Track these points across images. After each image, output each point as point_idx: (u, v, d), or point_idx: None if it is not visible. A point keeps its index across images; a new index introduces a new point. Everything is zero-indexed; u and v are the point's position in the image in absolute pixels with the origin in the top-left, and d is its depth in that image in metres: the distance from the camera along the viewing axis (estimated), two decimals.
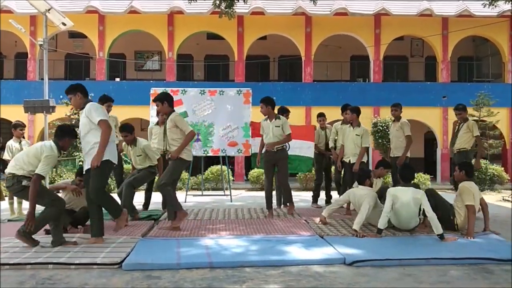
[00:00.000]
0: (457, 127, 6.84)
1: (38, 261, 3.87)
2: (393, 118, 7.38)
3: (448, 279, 3.55)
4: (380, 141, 13.29)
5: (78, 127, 4.95)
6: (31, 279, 3.51)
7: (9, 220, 6.34)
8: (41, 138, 14.53)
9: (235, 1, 8.59)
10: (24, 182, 4.34)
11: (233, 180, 13.77)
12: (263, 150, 6.51)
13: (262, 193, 7.56)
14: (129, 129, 6.37)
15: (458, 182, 5.33)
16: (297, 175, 12.70)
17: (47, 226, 4.60)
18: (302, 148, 7.51)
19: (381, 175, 6.27)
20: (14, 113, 14.77)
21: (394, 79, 17.28)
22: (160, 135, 7.01)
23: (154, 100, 5.49)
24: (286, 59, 17.39)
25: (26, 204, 4.78)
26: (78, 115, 12.45)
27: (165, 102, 5.28)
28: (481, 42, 18.02)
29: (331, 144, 7.46)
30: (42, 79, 11.97)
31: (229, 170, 10.92)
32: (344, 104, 7.45)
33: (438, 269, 3.80)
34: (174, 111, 5.40)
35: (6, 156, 6.72)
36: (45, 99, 10.40)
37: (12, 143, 6.90)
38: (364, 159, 6.79)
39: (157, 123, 7.21)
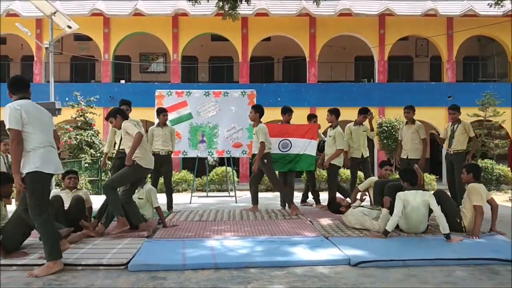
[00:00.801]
0: (451, 128, 6.91)
1: (45, 262, 3.90)
2: (405, 120, 7.34)
3: (453, 279, 3.55)
4: (385, 141, 13.27)
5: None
6: (38, 280, 3.55)
7: None
8: None
9: (239, 2, 8.61)
10: None
11: (238, 181, 13.80)
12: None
13: (267, 194, 7.61)
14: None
15: (465, 183, 5.31)
16: (302, 175, 12.69)
17: None
18: (304, 147, 7.44)
19: (385, 176, 6.25)
20: None
21: (399, 79, 17.25)
22: (163, 136, 7.07)
23: (107, 119, 5.40)
24: (290, 60, 17.40)
25: None
26: (84, 117, 12.61)
27: (118, 116, 5.18)
28: (487, 42, 17.94)
29: (345, 148, 7.40)
30: (48, 81, 12.07)
31: (234, 171, 10.96)
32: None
33: (443, 269, 3.80)
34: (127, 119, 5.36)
35: None
36: (51, 102, 10.50)
37: None
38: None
39: (158, 125, 7.22)
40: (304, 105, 15.54)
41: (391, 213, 5.17)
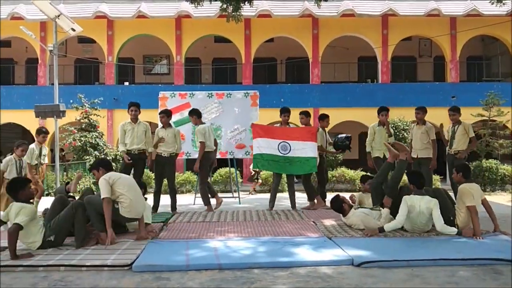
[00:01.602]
0: (452, 129, 7.04)
1: (50, 263, 3.94)
2: (415, 121, 7.36)
3: (457, 279, 3.55)
4: (389, 142, 13.23)
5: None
6: (43, 281, 3.58)
7: None
8: (52, 141, 14.72)
9: (242, 4, 8.63)
10: None
11: (241, 182, 13.82)
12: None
13: (269, 195, 7.61)
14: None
15: (457, 184, 5.39)
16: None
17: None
18: (303, 149, 7.36)
19: (368, 190, 6.17)
20: (25, 118, 15.01)
21: (403, 79, 17.20)
22: (165, 138, 7.11)
23: (90, 170, 5.74)
24: (293, 61, 17.42)
25: None
26: (88, 119, 12.66)
27: (100, 168, 5.10)
28: (490, 41, 17.87)
29: (367, 148, 7.43)
30: (53, 84, 12.14)
31: (237, 172, 10.97)
32: (381, 106, 7.58)
33: (447, 270, 3.79)
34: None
35: (26, 158, 6.83)
36: (56, 104, 10.56)
37: (34, 148, 7.01)
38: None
39: (162, 126, 7.26)
40: (307, 106, 15.50)
41: (392, 212, 5.19)
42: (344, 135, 7.76)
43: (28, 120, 14.81)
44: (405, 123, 12.99)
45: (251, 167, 12.18)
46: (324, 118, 7.93)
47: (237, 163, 9.94)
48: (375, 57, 16.33)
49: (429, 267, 3.86)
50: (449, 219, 5.05)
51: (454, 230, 4.79)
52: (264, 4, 15.15)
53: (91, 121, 12.79)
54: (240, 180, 12.73)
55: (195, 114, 7.32)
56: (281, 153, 7.38)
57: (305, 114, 7.79)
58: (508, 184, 12.35)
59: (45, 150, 7.35)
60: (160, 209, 7.19)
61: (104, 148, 12.54)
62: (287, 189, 7.98)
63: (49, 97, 13.16)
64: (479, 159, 12.64)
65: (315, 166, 7.47)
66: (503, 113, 13.35)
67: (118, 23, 15.94)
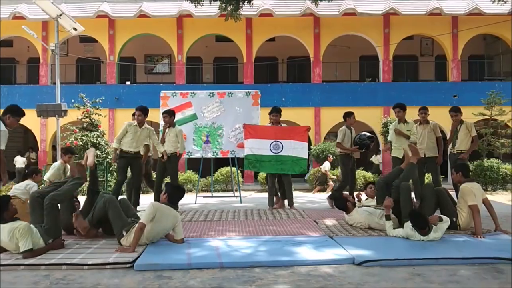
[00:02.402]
0: (455, 128, 7.06)
1: (52, 262, 3.95)
2: (418, 121, 7.36)
3: (458, 278, 3.55)
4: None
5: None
6: (45, 279, 3.60)
7: None
8: (54, 140, 14.76)
9: (241, 4, 8.64)
10: None
11: (243, 181, 13.83)
12: None
13: (275, 194, 7.62)
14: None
15: (457, 184, 5.36)
16: (306, 175, 12.71)
17: None
18: (295, 149, 7.41)
19: (371, 195, 6.11)
20: (27, 117, 14.91)
21: (404, 78, 17.18)
22: (167, 137, 7.15)
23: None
24: (294, 60, 17.40)
25: None
26: (89, 119, 12.69)
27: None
28: (492, 40, 17.83)
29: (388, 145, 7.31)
30: (54, 83, 12.18)
31: (239, 171, 10.98)
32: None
33: (448, 268, 3.79)
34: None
35: (49, 175, 6.83)
36: (57, 103, 10.60)
37: (59, 166, 7.00)
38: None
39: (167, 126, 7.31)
40: (309, 105, 15.55)
41: (394, 212, 5.18)
42: (368, 134, 7.49)
43: (30, 119, 14.79)
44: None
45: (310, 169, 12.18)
46: (349, 115, 7.65)
47: (238, 163, 9.94)
48: (376, 56, 16.32)
49: (430, 266, 3.87)
50: (451, 221, 5.03)
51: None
52: (265, 3, 15.14)
53: (93, 120, 12.80)
54: (241, 179, 12.74)
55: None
56: (273, 152, 7.42)
57: (278, 112, 7.61)
58: (509, 183, 12.33)
59: (68, 169, 7.22)
60: None
61: (106, 147, 12.54)
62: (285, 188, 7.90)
63: (51, 96, 13.21)
64: (480, 158, 12.62)
65: (305, 168, 7.53)
66: (504, 112, 13.33)
67: (119, 22, 15.95)
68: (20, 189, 6.08)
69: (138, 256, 4.08)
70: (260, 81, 16.30)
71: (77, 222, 4.82)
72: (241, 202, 8.80)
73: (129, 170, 7.05)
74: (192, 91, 9.11)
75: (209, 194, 10.65)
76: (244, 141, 7.77)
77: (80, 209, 5.22)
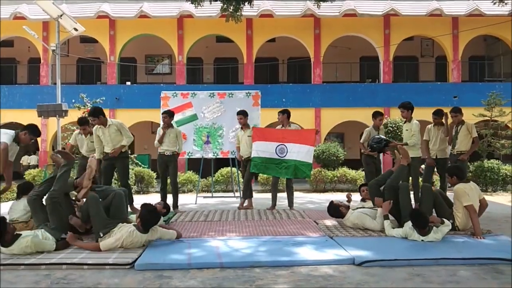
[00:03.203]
0: (455, 129, 7.03)
1: (52, 261, 3.96)
2: (433, 123, 7.31)
3: (458, 279, 3.55)
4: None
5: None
6: (46, 279, 3.60)
7: None
8: (54, 141, 14.77)
9: (242, 4, 8.65)
10: None
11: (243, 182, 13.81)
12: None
13: (270, 195, 7.63)
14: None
15: (453, 186, 5.36)
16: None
17: None
18: (300, 153, 7.27)
19: (365, 196, 6.14)
20: (27, 117, 15.05)
21: (404, 79, 17.19)
22: (168, 138, 7.17)
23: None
24: (295, 61, 17.42)
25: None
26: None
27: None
28: (493, 41, 17.83)
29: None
30: (55, 83, 12.18)
31: (239, 172, 10.98)
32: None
33: (447, 269, 3.80)
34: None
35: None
36: (58, 103, 10.61)
37: None
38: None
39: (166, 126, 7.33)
40: (309, 106, 15.55)
41: (392, 212, 5.19)
42: (381, 137, 6.93)
43: (30, 119, 14.70)
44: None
45: None
46: (376, 116, 7.44)
47: (239, 163, 9.94)
48: (377, 57, 16.33)
49: (430, 267, 3.87)
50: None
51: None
52: (266, 4, 15.16)
53: None
54: (241, 180, 12.74)
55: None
56: (279, 156, 7.36)
57: (282, 112, 7.61)
58: (509, 184, 12.32)
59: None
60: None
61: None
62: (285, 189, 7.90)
63: (52, 96, 13.22)
64: (480, 159, 12.62)
65: (309, 173, 7.45)
66: (505, 113, 13.32)
67: (120, 23, 15.97)
68: (18, 209, 5.43)
69: (138, 257, 4.09)
70: (261, 82, 16.32)
71: (73, 221, 4.85)
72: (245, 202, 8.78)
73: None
74: (192, 92, 9.12)
75: (210, 194, 10.65)
76: (252, 143, 7.69)
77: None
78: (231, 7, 8.58)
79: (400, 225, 5.06)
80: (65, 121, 12.90)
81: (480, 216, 5.22)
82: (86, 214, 4.77)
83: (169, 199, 7.31)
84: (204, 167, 9.88)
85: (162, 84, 16.23)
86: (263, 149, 7.38)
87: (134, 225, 4.56)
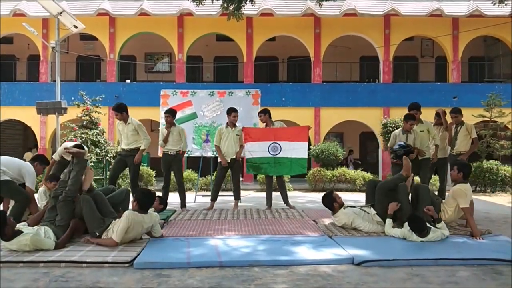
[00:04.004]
0: (455, 130, 7.03)
1: (51, 259, 3.95)
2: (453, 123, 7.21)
3: (457, 279, 3.55)
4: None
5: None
6: (44, 277, 3.60)
7: None
8: (53, 138, 14.75)
9: (243, 3, 8.64)
10: None
11: (242, 180, 13.82)
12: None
13: (273, 194, 7.62)
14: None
15: (453, 182, 5.36)
16: (306, 175, 12.69)
17: None
18: (294, 150, 7.33)
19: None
20: (26, 114, 15.04)
21: (404, 79, 17.17)
22: (171, 137, 7.17)
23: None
24: (295, 60, 17.40)
25: None
26: (89, 117, 12.69)
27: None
28: (493, 42, 17.83)
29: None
30: (54, 81, 12.14)
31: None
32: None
33: (447, 269, 3.80)
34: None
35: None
36: (57, 101, 10.59)
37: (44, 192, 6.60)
38: None
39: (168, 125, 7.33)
40: (309, 105, 15.54)
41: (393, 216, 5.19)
42: (401, 143, 6.54)
43: (29, 117, 14.84)
44: None
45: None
46: (406, 119, 6.75)
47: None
48: (377, 57, 16.31)
49: (429, 267, 3.88)
50: (429, 219, 5.02)
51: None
52: (266, 3, 15.13)
53: (92, 118, 12.78)
54: (241, 178, 12.73)
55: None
56: (271, 154, 7.37)
57: (263, 113, 7.60)
58: (508, 185, 12.33)
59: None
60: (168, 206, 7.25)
61: (105, 145, 12.53)
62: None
63: (51, 94, 13.18)
64: (479, 160, 12.63)
65: (305, 167, 7.50)
66: (504, 114, 13.33)
67: (120, 20, 15.93)
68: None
69: (137, 255, 4.08)
70: (260, 81, 16.29)
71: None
72: (240, 202, 8.78)
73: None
74: (192, 90, 9.12)
75: (209, 193, 10.63)
76: (244, 144, 7.69)
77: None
78: (232, 6, 8.57)
79: (398, 225, 5.07)
80: (64, 119, 12.87)
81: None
82: (80, 215, 4.77)
83: (172, 198, 7.33)
84: (203, 166, 9.87)
85: (161, 82, 16.20)
86: (255, 149, 7.40)
87: (129, 209, 4.66)
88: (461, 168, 5.33)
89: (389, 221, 5.06)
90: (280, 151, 7.35)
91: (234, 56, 17.54)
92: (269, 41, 16.44)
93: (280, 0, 15.61)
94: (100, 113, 13.18)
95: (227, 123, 7.50)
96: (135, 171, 6.92)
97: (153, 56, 19.01)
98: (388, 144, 7.16)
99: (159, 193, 6.94)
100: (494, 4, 8.97)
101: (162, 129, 7.46)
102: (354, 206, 5.61)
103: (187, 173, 12.66)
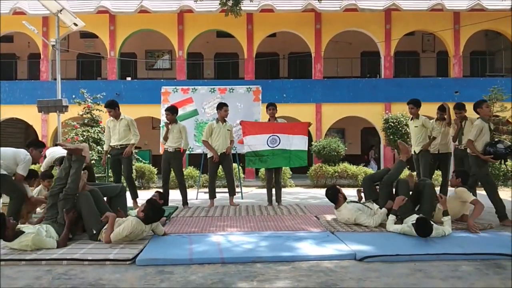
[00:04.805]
0: (460, 124, 6.98)
1: (53, 257, 3.96)
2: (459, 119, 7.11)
3: (459, 274, 3.55)
4: (391, 137, 13.20)
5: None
6: (47, 274, 3.60)
7: None
8: (55, 136, 14.76)
9: None
10: None
11: (244, 177, 13.81)
12: None
13: (272, 191, 7.62)
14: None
15: (452, 187, 5.55)
16: (308, 171, 12.69)
17: None
18: (294, 144, 7.36)
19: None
20: (28, 113, 15.04)
21: (406, 74, 17.13)
22: (171, 134, 7.17)
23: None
24: (295, 56, 17.35)
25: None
26: (90, 114, 12.70)
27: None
28: (494, 36, 17.75)
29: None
30: (55, 79, 12.15)
31: (240, 167, 10.97)
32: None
33: (449, 264, 3.80)
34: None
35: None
36: (58, 99, 10.60)
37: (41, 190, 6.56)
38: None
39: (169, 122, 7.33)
40: (310, 101, 15.51)
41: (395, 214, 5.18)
42: (507, 143, 5.91)
43: (31, 115, 14.84)
44: (407, 118, 12.93)
45: None
46: (481, 105, 6.16)
47: (240, 158, 9.93)
48: (378, 52, 16.26)
49: (431, 262, 3.87)
50: (430, 212, 5.12)
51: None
52: None
53: (94, 116, 12.80)
54: (242, 175, 12.73)
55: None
56: (270, 147, 7.37)
57: (274, 106, 7.59)
58: (510, 179, 12.31)
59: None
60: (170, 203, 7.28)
61: None
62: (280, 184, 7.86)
63: (52, 92, 13.19)
64: None
65: (305, 160, 7.49)
66: (506, 108, 13.27)
67: (120, 18, 15.90)
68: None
69: (139, 252, 4.09)
70: (261, 77, 16.26)
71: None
72: (242, 198, 8.80)
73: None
74: (193, 87, 9.11)
75: None
76: (243, 138, 7.71)
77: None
78: (230, 2, 8.53)
79: (399, 220, 5.07)
80: (66, 117, 12.86)
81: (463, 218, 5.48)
82: (80, 211, 4.76)
83: (174, 195, 7.34)
84: (205, 163, 9.84)
85: (162, 80, 16.19)
86: (254, 143, 7.40)
87: (136, 216, 4.61)
88: (459, 174, 5.58)
89: (392, 217, 5.04)
90: (279, 143, 7.35)
91: (235, 53, 17.51)
92: (269, 37, 16.40)
93: None
94: (101, 110, 13.18)
95: (217, 118, 7.50)
96: (128, 166, 7.00)
97: (153, 53, 18.99)
98: (472, 137, 5.92)
99: (160, 189, 6.98)
100: None
101: (164, 126, 7.48)
102: (357, 202, 5.60)
103: (189, 170, 12.66)
